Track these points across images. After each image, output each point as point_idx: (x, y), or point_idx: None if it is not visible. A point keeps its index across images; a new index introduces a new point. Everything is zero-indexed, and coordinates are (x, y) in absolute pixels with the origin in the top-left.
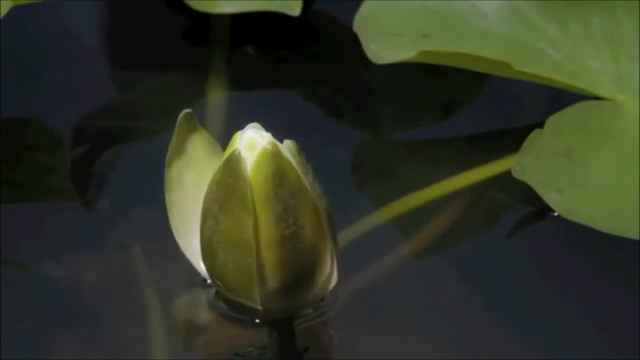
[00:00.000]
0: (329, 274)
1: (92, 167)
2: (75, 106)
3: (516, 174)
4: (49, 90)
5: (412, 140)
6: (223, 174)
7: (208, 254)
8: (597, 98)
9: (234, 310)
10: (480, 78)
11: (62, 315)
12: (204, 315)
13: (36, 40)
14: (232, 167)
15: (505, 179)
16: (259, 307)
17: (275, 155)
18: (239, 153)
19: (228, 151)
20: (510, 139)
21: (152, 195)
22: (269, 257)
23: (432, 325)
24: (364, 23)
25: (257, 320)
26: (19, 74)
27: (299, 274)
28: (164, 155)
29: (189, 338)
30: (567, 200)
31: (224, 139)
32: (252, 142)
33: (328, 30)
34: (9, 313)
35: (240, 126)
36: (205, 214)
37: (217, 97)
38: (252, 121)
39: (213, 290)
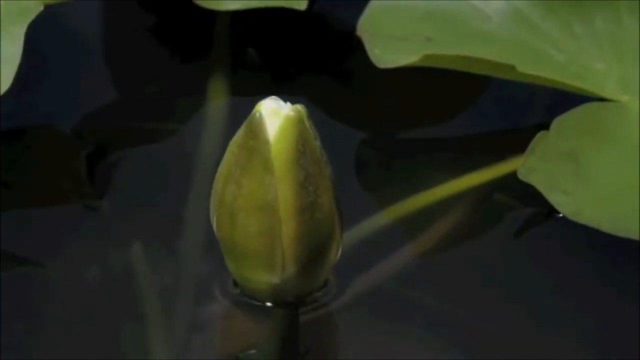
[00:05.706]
0: (338, 248)
1: (93, 169)
2: (76, 107)
3: (522, 176)
4: (51, 92)
5: (416, 142)
6: (245, 136)
7: (227, 221)
8: (602, 99)
9: (246, 294)
10: (484, 80)
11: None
12: (211, 314)
13: (38, 41)
14: (253, 129)
15: (511, 181)
16: (279, 277)
17: (299, 122)
18: (260, 114)
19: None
20: (515, 141)
21: (154, 196)
22: (288, 226)
23: (435, 326)
24: (367, 26)
25: (269, 304)
26: (22, 75)
27: (316, 245)
28: (165, 155)
29: (194, 337)
30: (572, 201)
31: (225, 139)
32: (276, 109)
33: (330, 31)
34: (9, 313)
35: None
36: (225, 179)
37: (218, 98)
38: None
39: (217, 290)
